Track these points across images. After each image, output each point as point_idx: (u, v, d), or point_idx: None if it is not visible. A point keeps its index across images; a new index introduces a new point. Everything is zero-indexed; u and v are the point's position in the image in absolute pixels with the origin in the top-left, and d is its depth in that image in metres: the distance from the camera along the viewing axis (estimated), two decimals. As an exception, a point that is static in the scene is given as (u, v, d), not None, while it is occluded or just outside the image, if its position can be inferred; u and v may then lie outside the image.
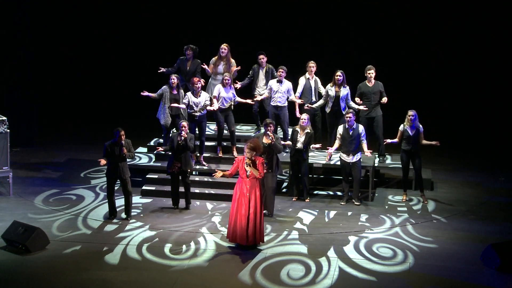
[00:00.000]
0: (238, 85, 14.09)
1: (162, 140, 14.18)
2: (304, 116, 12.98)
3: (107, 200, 12.27)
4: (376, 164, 13.72)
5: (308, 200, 13.16)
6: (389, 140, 13.00)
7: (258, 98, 14.02)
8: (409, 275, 10.14)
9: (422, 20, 18.26)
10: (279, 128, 14.05)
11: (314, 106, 13.78)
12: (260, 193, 10.95)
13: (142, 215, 12.39)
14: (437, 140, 12.79)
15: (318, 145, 13.14)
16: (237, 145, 13.96)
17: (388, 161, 14.15)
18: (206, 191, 13.29)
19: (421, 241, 11.32)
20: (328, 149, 13.24)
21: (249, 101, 13.90)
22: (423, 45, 18.39)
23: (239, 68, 14.18)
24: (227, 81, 13.57)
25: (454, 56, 18.27)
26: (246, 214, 10.79)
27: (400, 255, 10.79)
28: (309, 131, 12.93)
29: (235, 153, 13.76)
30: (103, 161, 11.94)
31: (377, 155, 13.96)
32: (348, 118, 12.77)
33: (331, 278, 10.00)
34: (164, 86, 13.56)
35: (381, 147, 13.91)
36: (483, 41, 18.11)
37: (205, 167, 13.61)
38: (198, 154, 13.62)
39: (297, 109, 13.82)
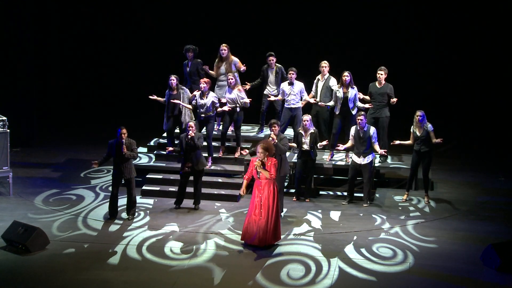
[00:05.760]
0: (248, 86, 14.04)
1: (164, 141, 14.22)
2: (306, 117, 12.95)
3: (108, 200, 12.27)
4: (376, 164, 13.71)
5: (308, 200, 13.16)
6: (397, 142, 12.97)
7: (272, 98, 13.92)
8: (409, 275, 10.14)
9: (425, 22, 18.26)
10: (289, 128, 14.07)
11: (328, 104, 13.55)
12: (274, 194, 10.93)
13: (144, 215, 12.40)
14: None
15: (325, 142, 13.04)
16: (241, 146, 13.91)
17: (388, 161, 14.15)
18: (207, 191, 13.28)
19: (421, 241, 11.32)
20: (339, 145, 13.04)
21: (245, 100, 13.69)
22: (422, 45, 18.38)
23: (244, 68, 14.01)
24: (231, 81, 13.51)
25: (453, 56, 18.25)
26: (259, 215, 10.80)
27: (400, 255, 10.79)
28: (313, 131, 12.91)
29: (237, 154, 13.75)
30: (95, 164, 11.99)
31: (378, 156, 13.96)
32: (359, 120, 12.72)
33: (331, 278, 10.00)
34: (167, 90, 13.59)
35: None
36: (482, 41, 18.09)
37: (210, 167, 13.59)
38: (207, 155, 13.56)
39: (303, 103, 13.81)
